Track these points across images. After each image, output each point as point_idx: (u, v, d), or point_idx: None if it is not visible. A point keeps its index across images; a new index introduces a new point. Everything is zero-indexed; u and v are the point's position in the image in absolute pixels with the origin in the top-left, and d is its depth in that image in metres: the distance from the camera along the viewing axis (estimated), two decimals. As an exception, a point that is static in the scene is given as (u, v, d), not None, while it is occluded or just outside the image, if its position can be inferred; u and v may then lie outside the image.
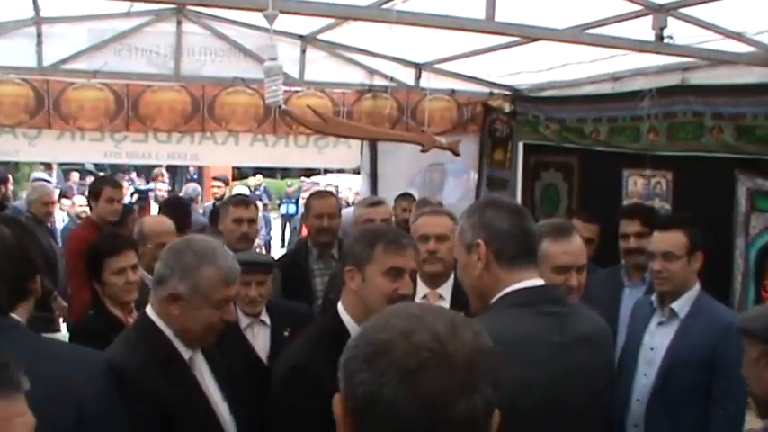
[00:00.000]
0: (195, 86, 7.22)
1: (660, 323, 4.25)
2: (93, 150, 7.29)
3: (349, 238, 3.36)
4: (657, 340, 4.21)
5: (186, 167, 20.98)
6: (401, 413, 1.37)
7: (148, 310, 3.06)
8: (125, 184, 15.18)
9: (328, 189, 10.92)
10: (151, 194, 13.12)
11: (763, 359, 2.42)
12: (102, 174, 15.74)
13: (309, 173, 25.47)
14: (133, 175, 22.27)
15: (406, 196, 7.40)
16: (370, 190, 8.13)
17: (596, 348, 2.74)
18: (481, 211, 2.74)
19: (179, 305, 2.92)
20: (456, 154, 7.26)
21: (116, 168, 20.65)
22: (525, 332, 2.55)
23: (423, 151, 7.03)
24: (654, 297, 4.33)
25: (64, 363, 2.50)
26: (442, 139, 7.17)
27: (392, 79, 7.90)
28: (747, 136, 5.36)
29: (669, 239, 4.23)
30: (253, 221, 5.65)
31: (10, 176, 9.23)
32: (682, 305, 4.15)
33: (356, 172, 10.24)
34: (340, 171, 20.34)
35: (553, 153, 7.67)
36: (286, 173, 28.07)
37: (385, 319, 1.50)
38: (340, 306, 3.23)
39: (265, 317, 4.39)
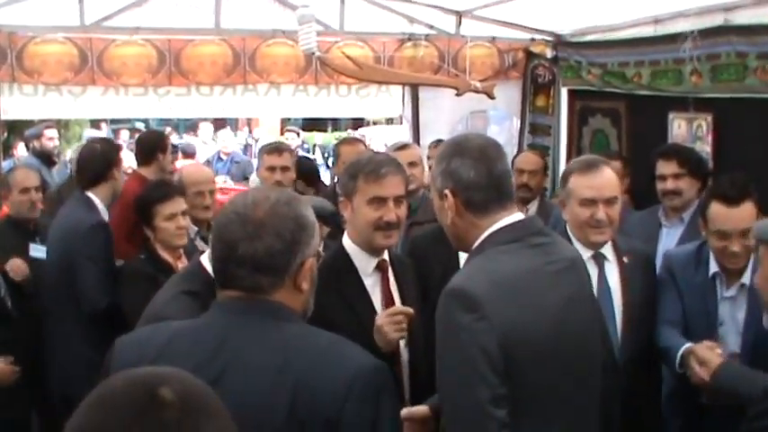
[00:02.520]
0: (236, 39, 7.23)
1: (727, 298, 3.88)
2: (137, 106, 7.34)
3: (341, 171, 3.53)
4: (728, 316, 3.88)
5: (236, 122, 21.08)
6: (213, 251, 2.22)
7: (202, 259, 3.26)
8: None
9: (357, 137, 10.95)
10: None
11: None
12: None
13: (358, 125, 25.44)
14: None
15: (440, 142, 7.39)
16: (412, 138, 8.11)
17: (582, 275, 2.79)
18: (448, 160, 2.72)
19: None
20: (491, 97, 7.26)
21: (164, 124, 20.80)
22: (521, 266, 2.58)
23: (457, 95, 7.12)
24: (715, 271, 3.88)
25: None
26: (477, 83, 7.16)
27: (432, 27, 7.82)
28: (792, 75, 5.27)
29: (743, 215, 3.74)
30: (286, 169, 5.74)
31: (50, 132, 9.25)
32: (748, 275, 3.77)
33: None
34: (389, 121, 20.28)
35: (599, 98, 7.58)
36: (336, 126, 28.07)
37: (230, 202, 2.27)
38: (345, 234, 3.46)
39: None
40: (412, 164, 5.41)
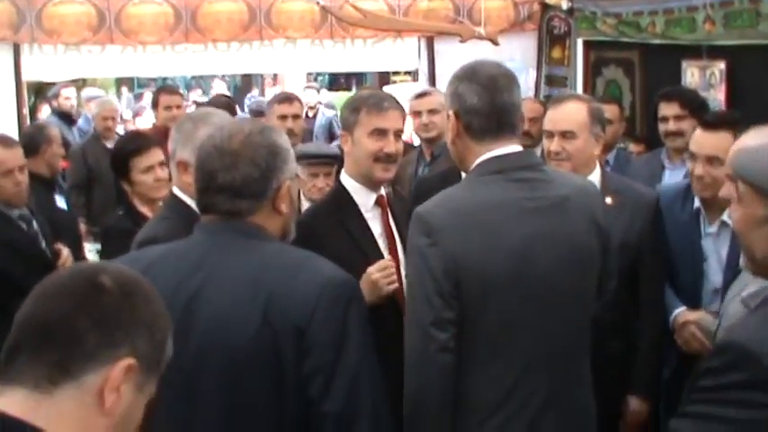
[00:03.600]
0: (252, -5, 7.30)
1: (710, 234, 3.89)
2: (156, 64, 7.45)
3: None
4: (711, 252, 3.89)
5: (262, 80, 21.04)
6: (195, 181, 2.41)
7: (173, 188, 3.28)
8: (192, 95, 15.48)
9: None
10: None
11: None
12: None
13: (383, 82, 25.32)
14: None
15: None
16: (429, 92, 8.14)
17: (577, 212, 2.75)
18: (457, 83, 2.80)
19: (189, 172, 2.97)
20: (495, 43, 7.36)
21: (187, 83, 20.82)
22: (491, 198, 2.66)
23: (461, 41, 7.21)
24: (697, 206, 3.93)
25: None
26: (481, 30, 7.20)
27: (447, -21, 7.85)
28: (805, 21, 5.27)
29: (715, 142, 3.73)
30: (297, 117, 5.85)
31: (66, 92, 9.41)
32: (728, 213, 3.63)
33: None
34: (414, 77, 20.22)
35: (613, 49, 7.56)
36: (361, 85, 27.95)
37: (209, 136, 2.43)
38: (343, 171, 3.48)
39: None
40: (432, 111, 5.48)
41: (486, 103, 2.73)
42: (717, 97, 5.99)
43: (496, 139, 2.74)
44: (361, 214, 3.38)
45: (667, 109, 5.11)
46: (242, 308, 2.22)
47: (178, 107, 7.11)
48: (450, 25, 7.50)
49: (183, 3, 7.10)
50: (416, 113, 5.63)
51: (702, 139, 3.82)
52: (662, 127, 5.14)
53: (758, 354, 1.88)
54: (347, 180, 3.43)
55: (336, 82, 23.89)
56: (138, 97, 18.43)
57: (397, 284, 3.21)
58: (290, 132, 5.55)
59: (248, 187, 2.33)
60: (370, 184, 3.41)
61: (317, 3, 4.90)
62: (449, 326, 2.58)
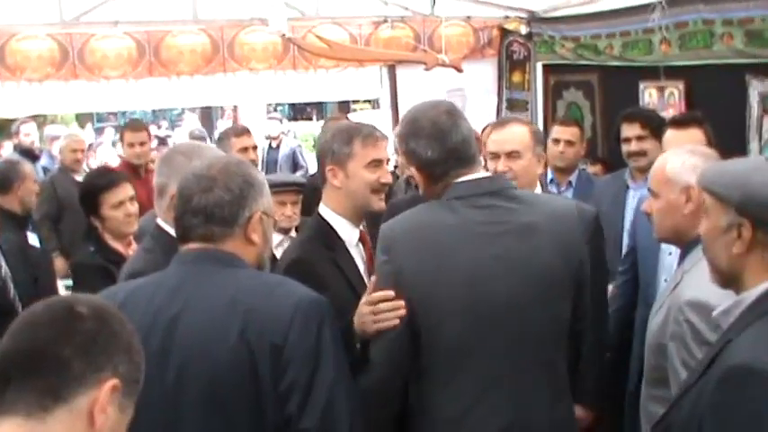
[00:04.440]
0: (214, 28, 7.34)
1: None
2: (120, 99, 7.47)
3: (324, 139, 3.51)
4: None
5: (222, 110, 21.08)
6: (175, 208, 2.54)
7: (158, 220, 3.27)
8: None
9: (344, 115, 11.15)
10: (170, 140, 13.32)
11: (735, 231, 2.22)
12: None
13: (344, 111, 25.46)
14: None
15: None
16: (392, 119, 8.23)
17: (544, 237, 2.79)
18: (406, 141, 2.89)
19: None
20: (459, 70, 7.48)
21: (160, 117, 20.84)
22: (445, 221, 2.75)
23: (426, 69, 7.29)
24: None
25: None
26: (445, 57, 7.32)
27: (407, 8, 7.93)
28: (757, 39, 5.43)
29: (686, 138, 4.21)
30: (255, 147, 5.92)
31: (25, 128, 9.39)
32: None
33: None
34: (374, 105, 20.37)
35: (572, 72, 7.73)
36: (321, 114, 28.08)
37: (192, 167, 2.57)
38: (322, 205, 3.36)
39: (293, 233, 4.71)
40: None
41: (440, 152, 2.82)
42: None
43: (462, 172, 2.84)
44: (348, 251, 3.32)
45: (629, 130, 5.22)
46: (220, 327, 2.30)
47: (141, 144, 7.15)
48: (415, 54, 7.61)
49: (147, 37, 7.11)
50: (397, 150, 5.66)
51: (674, 137, 4.28)
52: (625, 147, 5.24)
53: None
54: (330, 215, 3.32)
55: (302, 111, 23.98)
56: (99, 132, 18.41)
57: (385, 324, 2.85)
58: (252, 163, 5.61)
59: (221, 210, 2.44)
60: (358, 218, 3.35)
61: (283, 35, 4.93)
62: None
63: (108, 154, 11.85)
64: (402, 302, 2.72)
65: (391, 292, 2.76)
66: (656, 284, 4.03)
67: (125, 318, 1.77)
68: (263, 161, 10.93)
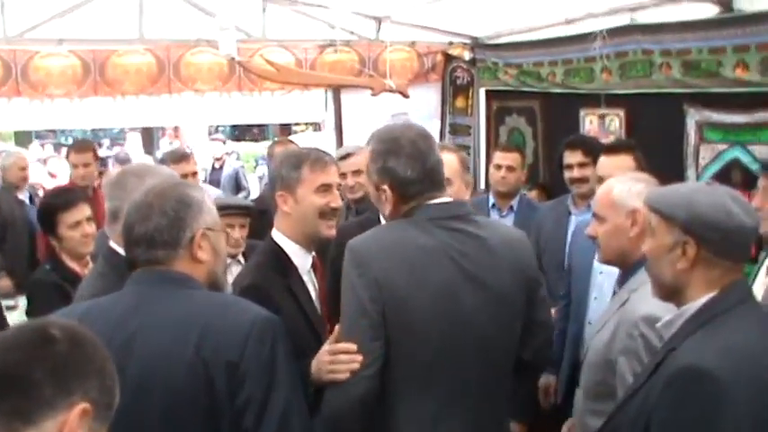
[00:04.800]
0: (160, 48, 7.31)
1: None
2: (63, 117, 7.37)
3: (273, 165, 3.53)
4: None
5: (163, 130, 20.96)
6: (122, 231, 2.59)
7: (111, 243, 3.23)
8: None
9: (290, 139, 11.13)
10: (109, 160, 13.23)
11: (680, 248, 2.36)
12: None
13: (285, 133, 25.48)
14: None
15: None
16: (336, 143, 8.27)
17: (502, 261, 2.87)
18: (384, 158, 2.90)
19: None
20: (405, 96, 7.57)
21: (101, 135, 20.64)
22: (419, 240, 2.79)
23: (373, 95, 7.37)
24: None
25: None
26: (391, 82, 7.40)
27: (353, 33, 8.01)
28: (694, 70, 5.57)
29: (618, 163, 4.38)
30: (195, 174, 5.93)
31: None
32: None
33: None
34: (315, 128, 20.42)
35: (514, 98, 7.85)
36: (263, 136, 28.06)
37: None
38: (275, 231, 3.37)
39: (241, 257, 4.70)
40: (357, 172, 5.20)
41: (419, 172, 2.87)
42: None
43: (430, 197, 2.89)
44: (301, 277, 3.32)
45: (572, 157, 5.32)
46: (176, 345, 2.34)
47: (86, 165, 7.06)
48: (362, 79, 7.67)
49: (92, 55, 7.06)
50: (342, 175, 5.53)
51: (607, 163, 4.49)
52: (567, 174, 5.34)
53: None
54: (284, 241, 3.33)
55: (246, 132, 23.94)
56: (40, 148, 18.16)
57: (338, 377, 2.78)
58: None
59: (160, 235, 2.49)
60: (310, 244, 3.35)
61: (232, 58, 4.94)
62: (374, 357, 2.71)
63: (60, 166, 11.66)
64: (360, 357, 2.71)
65: (353, 346, 2.72)
66: (587, 302, 4.18)
67: (99, 341, 1.77)
68: (205, 182, 10.90)
